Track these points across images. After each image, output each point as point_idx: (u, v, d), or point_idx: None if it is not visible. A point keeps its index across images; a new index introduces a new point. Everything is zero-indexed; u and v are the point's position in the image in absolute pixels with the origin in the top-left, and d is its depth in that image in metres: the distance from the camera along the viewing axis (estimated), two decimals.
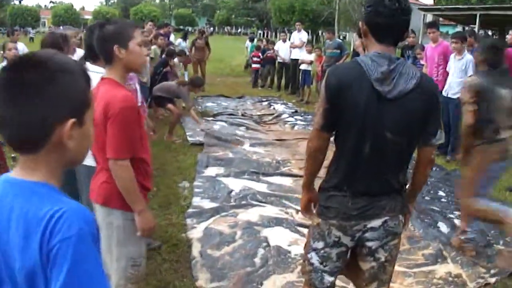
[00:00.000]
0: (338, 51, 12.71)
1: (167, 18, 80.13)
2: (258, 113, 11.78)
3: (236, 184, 6.39)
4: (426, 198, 6.21)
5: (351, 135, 2.43)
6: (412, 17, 2.49)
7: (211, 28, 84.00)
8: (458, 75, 7.99)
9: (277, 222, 5.19)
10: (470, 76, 7.65)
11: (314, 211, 2.78)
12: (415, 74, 2.41)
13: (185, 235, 4.91)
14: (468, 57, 7.91)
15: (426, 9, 26.88)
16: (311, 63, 13.78)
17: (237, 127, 10.06)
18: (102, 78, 2.83)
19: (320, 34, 46.62)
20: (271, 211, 5.55)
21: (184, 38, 16.64)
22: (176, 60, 11.50)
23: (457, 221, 5.36)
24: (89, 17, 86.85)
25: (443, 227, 5.26)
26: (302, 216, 5.47)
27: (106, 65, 2.82)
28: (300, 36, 14.77)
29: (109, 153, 2.69)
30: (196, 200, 5.80)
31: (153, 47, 11.32)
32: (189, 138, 8.87)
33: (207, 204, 5.69)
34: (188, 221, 5.21)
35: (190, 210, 5.50)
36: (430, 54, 9.08)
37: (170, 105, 8.85)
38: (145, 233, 2.85)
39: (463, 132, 4.58)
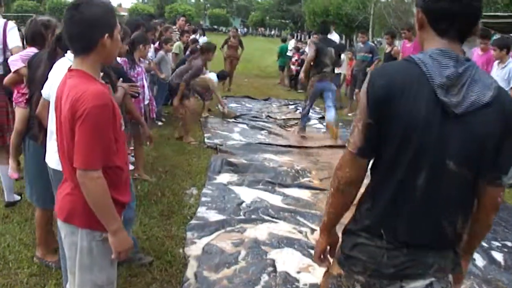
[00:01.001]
0: (370, 55, 12.02)
1: (201, 18, 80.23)
2: (283, 117, 11.18)
3: (248, 195, 5.81)
4: None
5: (399, 162, 1.81)
6: None
7: (245, 29, 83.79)
8: (501, 84, 7.26)
9: (288, 242, 4.58)
10: None
11: (332, 259, 2.19)
12: (491, 83, 1.78)
13: (183, 250, 4.35)
14: (511, 65, 7.22)
15: None
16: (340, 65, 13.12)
17: (258, 130, 9.50)
18: (70, 70, 2.29)
19: (354, 39, 45.84)
20: (283, 228, 4.95)
21: (203, 33, 16.25)
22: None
23: (496, 254, 4.66)
24: (125, 13, 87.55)
25: (479, 260, 4.56)
26: (318, 237, 4.92)
27: (79, 54, 2.28)
28: (331, 37, 14.06)
29: (77, 163, 2.18)
30: (201, 211, 5.24)
31: (178, 43, 10.91)
32: (206, 140, 8.31)
33: (213, 216, 5.12)
34: (189, 234, 4.65)
35: (192, 221, 4.94)
36: (475, 61, 8.38)
37: (186, 101, 8.29)
38: (120, 257, 2.37)
39: None
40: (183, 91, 8.19)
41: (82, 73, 2.24)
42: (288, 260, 4.25)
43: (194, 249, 4.36)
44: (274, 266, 4.09)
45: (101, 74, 2.46)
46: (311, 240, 4.72)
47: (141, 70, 5.89)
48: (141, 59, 6.10)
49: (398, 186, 1.83)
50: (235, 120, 10.26)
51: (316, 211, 5.46)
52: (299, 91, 15.96)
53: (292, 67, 16.53)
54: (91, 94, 2.14)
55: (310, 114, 11.23)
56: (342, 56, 12.87)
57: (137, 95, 4.95)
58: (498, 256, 4.62)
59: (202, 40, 14.46)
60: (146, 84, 5.95)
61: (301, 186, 6.31)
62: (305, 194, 6.02)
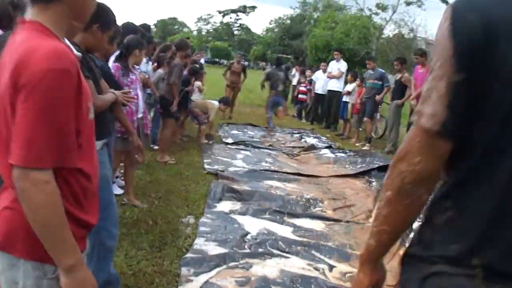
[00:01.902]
0: (380, 82, 11.37)
1: (203, 50, 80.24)
2: (288, 145, 10.44)
3: (253, 225, 5.04)
4: None
5: (507, 148, 1.15)
6: None
7: (246, 63, 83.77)
8: None
9: (303, 282, 3.80)
10: None
11: None
12: None
13: None
14: None
15: None
16: (349, 93, 12.49)
17: (263, 157, 8.77)
18: (23, 22, 1.55)
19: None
20: (295, 264, 4.18)
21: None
22: (197, 84, 10.56)
23: None
24: None
25: None
26: (337, 275, 4.20)
27: (37, 2, 1.53)
28: (338, 66, 13.45)
29: (14, 156, 1.44)
30: (199, 242, 4.46)
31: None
32: (206, 166, 7.55)
33: (213, 249, 4.34)
34: (184, 270, 3.87)
35: (188, 255, 4.16)
36: None
37: (167, 119, 7.65)
38: None
39: None
40: (176, 92, 7.61)
41: (38, 25, 1.51)
42: None
43: None
44: None
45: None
46: (330, 278, 3.95)
47: (135, 78, 5.18)
48: (135, 66, 5.39)
49: (503, 191, 1.17)
50: (237, 147, 9.52)
51: (333, 244, 4.69)
52: (303, 120, 15.35)
53: (301, 96, 15.92)
54: (45, 53, 1.42)
55: (316, 143, 10.74)
56: (351, 86, 12.39)
57: (133, 101, 4.24)
58: None
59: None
60: (140, 95, 5.23)
61: (313, 216, 5.55)
62: (318, 226, 5.26)
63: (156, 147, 8.20)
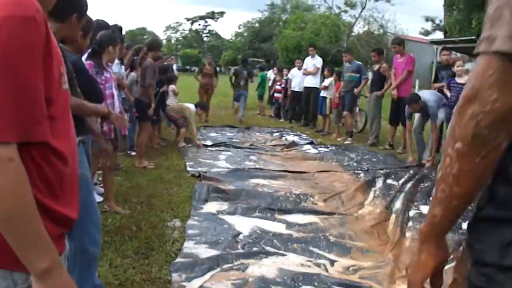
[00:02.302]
0: (358, 75, 11.17)
1: (173, 56, 79.59)
2: (269, 144, 10.18)
3: (244, 224, 4.76)
4: None
5: None
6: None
7: (217, 68, 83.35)
8: None
9: (305, 279, 3.52)
10: None
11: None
12: None
13: None
14: None
15: (439, 42, 25.50)
16: (326, 88, 12.28)
17: (246, 157, 8.48)
18: None
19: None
20: (294, 262, 3.90)
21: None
22: (172, 87, 10.43)
23: None
24: None
25: None
26: (340, 269, 3.94)
27: None
28: (313, 62, 13.24)
29: None
30: (188, 246, 4.16)
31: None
32: (188, 169, 7.24)
33: (204, 252, 4.04)
34: (175, 276, 3.56)
35: (178, 259, 3.85)
36: None
37: (143, 123, 7.38)
38: None
39: None
40: (152, 94, 7.33)
41: None
42: None
43: None
44: None
45: None
46: (333, 274, 3.67)
47: (109, 76, 4.85)
48: (109, 63, 5.07)
49: None
50: (218, 148, 9.21)
51: (331, 237, 4.43)
52: (281, 120, 15.11)
53: (276, 94, 15.69)
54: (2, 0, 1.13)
55: (297, 140, 10.68)
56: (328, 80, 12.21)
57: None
58: None
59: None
60: (116, 94, 4.91)
61: (305, 211, 5.28)
62: (312, 220, 4.99)
63: (133, 153, 7.86)
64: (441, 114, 7.93)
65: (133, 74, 8.08)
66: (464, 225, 4.23)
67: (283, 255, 4.02)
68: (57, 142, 1.27)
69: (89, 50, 4.72)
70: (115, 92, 4.90)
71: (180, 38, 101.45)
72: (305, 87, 13.23)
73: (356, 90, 11.07)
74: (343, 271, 3.77)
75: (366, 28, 40.94)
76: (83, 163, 2.91)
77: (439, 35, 37.39)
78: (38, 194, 1.22)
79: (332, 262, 3.91)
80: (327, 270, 3.77)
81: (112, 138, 4.81)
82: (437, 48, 24.62)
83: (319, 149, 9.52)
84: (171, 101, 9.99)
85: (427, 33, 43.32)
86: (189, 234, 4.42)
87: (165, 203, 5.42)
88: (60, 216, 1.31)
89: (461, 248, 1.25)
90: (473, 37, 22.90)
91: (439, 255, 1.20)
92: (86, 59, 4.62)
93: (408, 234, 4.67)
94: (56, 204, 1.29)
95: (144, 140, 7.32)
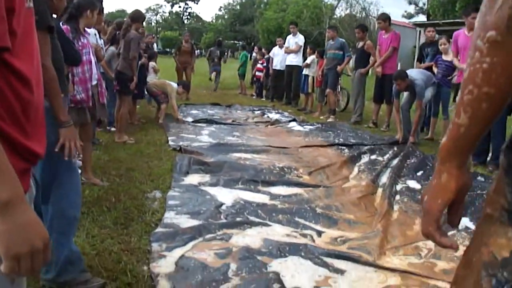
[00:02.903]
0: (341, 52, 10.99)
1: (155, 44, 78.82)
2: (251, 121, 10.00)
3: (226, 196, 4.60)
4: None
5: None
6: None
7: (198, 51, 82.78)
8: None
9: (291, 249, 3.37)
10: None
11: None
12: None
13: (148, 268, 3.09)
14: None
15: (423, 25, 25.43)
16: (308, 66, 12.11)
17: (230, 132, 8.31)
18: None
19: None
20: (279, 232, 3.75)
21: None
22: (152, 64, 10.33)
23: None
24: None
25: None
26: (328, 240, 3.81)
27: None
28: (295, 40, 12.99)
29: None
30: (169, 216, 3.98)
31: None
32: (170, 143, 7.05)
33: (185, 222, 3.87)
34: (155, 246, 3.39)
35: (159, 229, 3.68)
36: (464, 42, 7.52)
37: (124, 96, 7.14)
38: (21, 268, 1.03)
39: None
40: (135, 67, 7.13)
41: None
42: (297, 273, 3.03)
43: (164, 265, 3.10)
44: (281, 282, 2.87)
45: None
46: (321, 244, 3.53)
47: (87, 42, 4.62)
48: (86, 29, 4.83)
49: None
50: (201, 124, 9.02)
51: (317, 209, 4.29)
52: (263, 99, 14.92)
53: (258, 73, 15.49)
54: None
55: (280, 118, 10.57)
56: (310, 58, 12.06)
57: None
58: None
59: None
60: (93, 60, 4.69)
61: (290, 183, 5.13)
62: (297, 192, 4.84)
63: (113, 129, 7.64)
64: (428, 93, 7.85)
65: (112, 48, 7.82)
66: None
67: (268, 225, 3.87)
68: (20, 64, 1.09)
69: (66, 15, 4.49)
70: (93, 59, 4.68)
71: (160, 21, 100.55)
72: (287, 65, 13.01)
73: (339, 68, 10.90)
74: (330, 242, 3.63)
75: (348, 11, 40.78)
76: None
77: (422, 19, 37.35)
78: (0, 122, 1.04)
79: (319, 233, 3.77)
80: (314, 241, 3.62)
81: (90, 106, 4.60)
82: (420, 31, 24.60)
83: (304, 126, 9.37)
84: (151, 78, 9.77)
85: (410, 16, 43.30)
86: (169, 205, 4.24)
87: (145, 175, 5.23)
88: (24, 149, 1.13)
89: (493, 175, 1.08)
90: (457, 20, 22.87)
91: (462, 177, 1.03)
92: (62, 24, 4.39)
93: (396, 207, 4.56)
94: (21, 135, 1.11)
95: (124, 114, 7.09)
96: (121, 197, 4.44)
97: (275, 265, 3.13)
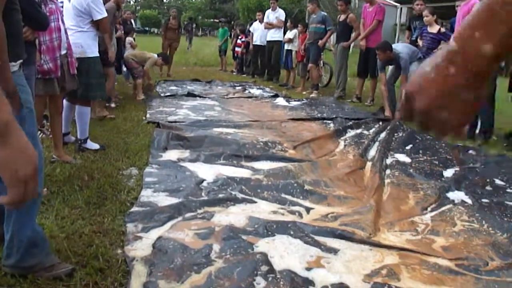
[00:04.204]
0: (323, 26, 10.63)
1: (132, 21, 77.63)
2: (232, 96, 9.66)
3: (208, 172, 4.31)
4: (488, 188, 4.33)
5: None
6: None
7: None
8: None
9: (279, 228, 3.11)
10: None
11: None
12: None
13: (122, 251, 2.80)
14: None
15: (404, 2, 25.16)
16: (290, 41, 11.78)
17: (210, 107, 7.98)
18: None
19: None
20: (265, 209, 3.50)
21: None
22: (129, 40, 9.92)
23: None
24: None
25: None
26: (317, 216, 3.56)
27: None
28: (276, 15, 12.56)
29: None
30: (146, 194, 3.69)
31: None
32: (147, 116, 6.78)
33: (163, 200, 3.58)
34: (130, 226, 3.10)
35: (134, 209, 3.40)
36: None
37: (107, 69, 6.61)
38: (29, 192, 0.96)
39: None
40: (108, 40, 6.59)
41: None
42: (287, 253, 2.77)
43: (140, 248, 2.82)
44: (269, 264, 2.60)
45: None
46: (310, 222, 3.27)
47: (55, 7, 4.23)
48: None
49: None
50: (180, 101, 8.66)
51: (305, 184, 4.02)
52: (244, 75, 14.56)
53: (237, 49, 15.11)
54: None
55: (261, 93, 10.35)
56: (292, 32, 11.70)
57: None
58: None
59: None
60: (63, 28, 4.32)
61: (275, 158, 4.86)
62: (281, 166, 4.58)
63: (113, 105, 7.33)
64: (414, 68, 7.62)
65: None
66: (446, 173, 3.89)
67: (253, 202, 3.60)
68: None
69: None
70: (62, 26, 4.31)
71: None
72: (268, 41, 12.64)
73: (321, 42, 10.55)
74: (321, 218, 3.37)
75: None
76: (25, 87, 2.42)
77: None
78: None
79: (308, 210, 3.52)
80: (302, 218, 3.37)
81: (59, 77, 4.26)
82: (401, 9, 24.33)
83: (288, 101, 9.09)
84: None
85: None
86: (146, 182, 3.95)
87: (121, 152, 4.92)
88: None
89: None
90: None
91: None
92: None
93: (387, 181, 4.33)
94: None
95: (109, 88, 6.69)
96: (95, 175, 4.13)
97: (262, 245, 2.87)
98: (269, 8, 12.90)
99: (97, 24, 4.92)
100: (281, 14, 12.55)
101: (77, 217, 3.27)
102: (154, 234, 2.99)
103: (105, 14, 4.87)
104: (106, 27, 5.08)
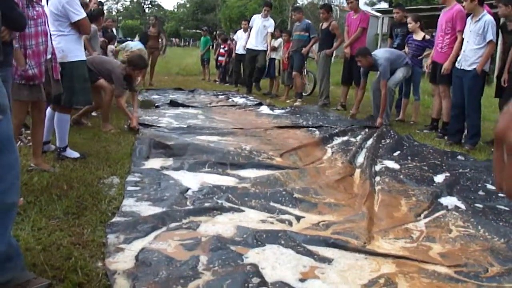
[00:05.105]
0: (307, 34, 10.51)
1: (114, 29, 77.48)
2: (215, 105, 9.50)
3: (192, 180, 4.15)
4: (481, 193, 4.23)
5: None
6: None
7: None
8: (474, 41, 6.09)
9: (269, 237, 2.95)
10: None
11: None
12: None
13: (103, 264, 2.63)
14: (487, 17, 6.02)
15: (385, 11, 25.29)
16: (275, 49, 11.66)
17: (194, 115, 7.83)
18: None
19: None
20: (253, 218, 3.35)
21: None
22: (111, 48, 9.53)
23: None
24: None
25: None
26: (309, 225, 3.40)
27: None
28: (265, 23, 11.57)
29: None
30: (128, 203, 3.52)
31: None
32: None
33: (146, 209, 3.41)
34: (111, 238, 2.93)
35: (116, 219, 3.22)
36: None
37: (102, 81, 6.35)
38: None
39: None
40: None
41: None
42: (278, 264, 2.62)
43: (122, 261, 2.64)
44: (260, 276, 2.45)
45: None
46: (301, 231, 3.13)
47: (42, 11, 4.05)
48: None
49: None
50: (163, 109, 8.47)
51: (294, 192, 3.88)
52: (227, 84, 14.41)
53: (220, 58, 14.96)
54: None
55: (245, 102, 10.22)
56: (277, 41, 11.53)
57: None
58: None
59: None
60: (49, 32, 4.15)
61: (260, 166, 4.71)
62: (268, 174, 4.43)
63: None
64: (400, 74, 7.58)
65: (93, 25, 7.25)
66: (437, 179, 3.78)
67: (240, 211, 3.45)
68: None
69: None
70: (49, 30, 4.14)
71: (121, 9, 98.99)
72: (252, 49, 12.39)
73: (304, 49, 10.44)
74: (312, 227, 3.23)
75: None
76: (1, 89, 2.25)
77: (385, 6, 37.30)
78: None
79: (298, 218, 3.38)
80: (292, 226, 3.23)
81: (43, 82, 4.08)
82: (383, 18, 24.46)
83: (272, 109, 8.97)
84: None
85: (372, 3, 43.23)
86: (128, 191, 3.77)
87: (102, 160, 4.73)
88: None
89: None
90: (420, 6, 22.74)
91: None
92: None
93: (378, 187, 4.21)
94: None
95: (107, 101, 6.41)
96: (74, 184, 3.94)
97: (252, 255, 2.71)
98: (260, 14, 11.84)
99: (77, 26, 4.74)
100: (271, 24, 11.73)
101: (55, 228, 3.08)
102: (137, 245, 2.83)
103: (83, 15, 4.69)
104: (87, 28, 4.89)
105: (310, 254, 2.75)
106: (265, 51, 11.61)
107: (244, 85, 13.34)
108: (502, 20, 7.18)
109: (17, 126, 4.08)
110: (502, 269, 2.76)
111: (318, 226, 3.25)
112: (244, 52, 12.72)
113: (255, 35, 11.63)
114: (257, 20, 11.75)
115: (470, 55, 6.18)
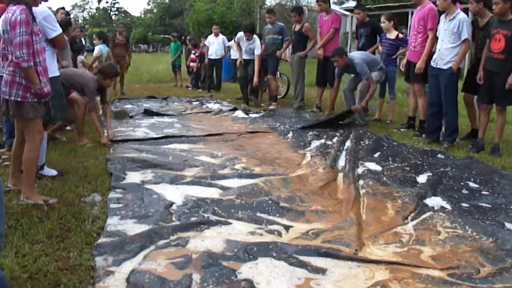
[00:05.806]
0: (280, 37, 10.46)
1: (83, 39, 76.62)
2: (190, 112, 9.41)
3: (175, 193, 4.09)
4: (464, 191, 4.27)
5: None
6: None
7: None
8: (449, 40, 6.13)
9: (260, 250, 2.92)
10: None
11: None
12: None
13: None
14: (461, 16, 6.06)
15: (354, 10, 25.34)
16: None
17: (169, 124, 7.77)
18: None
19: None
20: (242, 230, 3.31)
21: None
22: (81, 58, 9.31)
23: None
24: None
25: None
26: (299, 234, 3.35)
27: None
28: (251, 46, 10.70)
29: None
30: (112, 222, 3.44)
31: None
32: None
33: (132, 228, 3.34)
34: (99, 261, 2.85)
35: (102, 240, 3.14)
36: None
37: (75, 94, 6.24)
38: None
39: None
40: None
41: None
42: (273, 278, 2.59)
43: (113, 284, 2.58)
44: None
45: None
46: (291, 241, 3.10)
47: (38, 28, 3.95)
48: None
49: None
50: (137, 120, 8.35)
51: (279, 201, 3.86)
52: (199, 90, 14.30)
53: (192, 64, 14.86)
54: None
55: (219, 107, 10.16)
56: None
57: None
58: None
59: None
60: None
61: (241, 175, 4.66)
62: (251, 183, 4.39)
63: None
64: (375, 76, 7.64)
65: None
66: (419, 179, 3.78)
67: (228, 223, 3.41)
68: None
69: None
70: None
71: (88, 17, 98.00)
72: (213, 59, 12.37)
73: (278, 52, 10.41)
74: (302, 236, 3.20)
75: (278, 0, 40.60)
76: None
77: (353, 5, 37.55)
78: None
79: (287, 228, 3.35)
80: (281, 237, 3.20)
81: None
82: (352, 17, 24.56)
83: (247, 113, 8.95)
84: None
85: (341, 2, 43.51)
86: (111, 209, 3.70)
87: (80, 177, 4.64)
88: None
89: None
90: (388, 4, 22.88)
91: None
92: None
93: (362, 191, 4.21)
94: None
95: (81, 115, 6.31)
96: (55, 204, 3.85)
97: (246, 270, 2.68)
98: (244, 37, 10.79)
99: (53, 42, 4.63)
100: (257, 45, 10.67)
101: (40, 253, 2.99)
102: (127, 267, 2.76)
103: (60, 31, 4.59)
104: (63, 44, 4.80)
105: (303, 265, 2.73)
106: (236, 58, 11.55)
107: (217, 90, 13.29)
108: (470, 16, 7.27)
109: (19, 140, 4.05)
110: (493, 269, 2.78)
111: (307, 235, 3.22)
112: (217, 57, 12.77)
113: (244, 52, 10.96)
114: (242, 42, 10.99)
115: (445, 54, 6.21)
